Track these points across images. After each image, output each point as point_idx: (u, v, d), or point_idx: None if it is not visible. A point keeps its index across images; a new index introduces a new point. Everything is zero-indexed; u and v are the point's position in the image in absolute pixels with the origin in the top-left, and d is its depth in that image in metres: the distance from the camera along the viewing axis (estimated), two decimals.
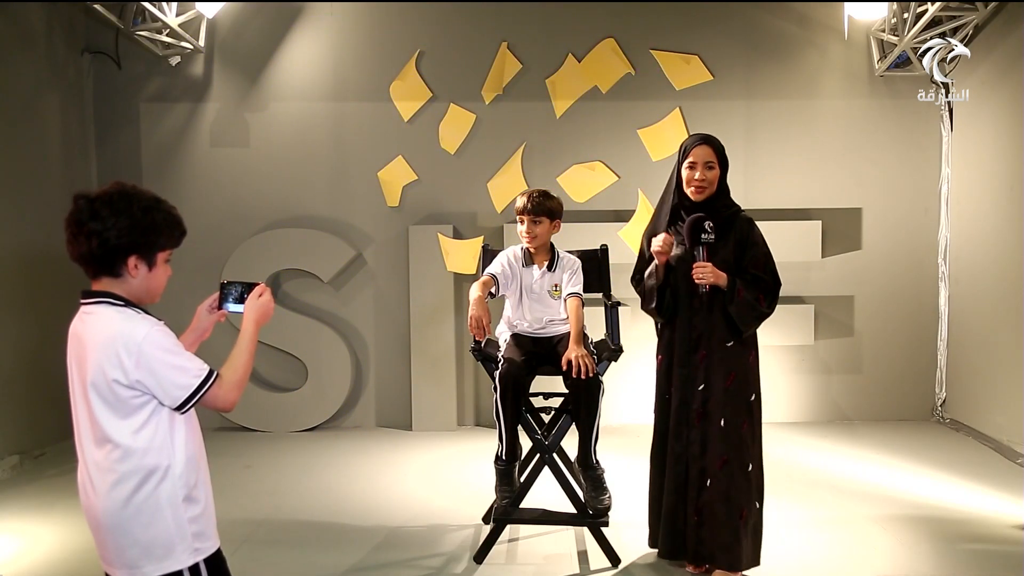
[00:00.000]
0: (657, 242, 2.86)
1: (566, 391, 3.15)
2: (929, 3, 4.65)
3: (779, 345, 5.26)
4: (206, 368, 1.72)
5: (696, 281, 2.78)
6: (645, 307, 2.99)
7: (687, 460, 2.84)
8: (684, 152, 2.88)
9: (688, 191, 2.86)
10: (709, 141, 2.87)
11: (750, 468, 2.81)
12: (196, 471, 1.76)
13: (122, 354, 1.63)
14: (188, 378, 1.68)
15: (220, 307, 1.93)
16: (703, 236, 2.77)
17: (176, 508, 1.71)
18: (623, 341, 3.27)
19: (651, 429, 3.01)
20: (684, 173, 2.87)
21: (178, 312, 1.95)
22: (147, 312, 1.73)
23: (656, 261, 2.89)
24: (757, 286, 2.82)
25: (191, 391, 1.68)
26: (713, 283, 2.77)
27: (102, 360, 1.64)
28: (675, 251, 2.86)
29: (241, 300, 1.89)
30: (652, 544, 3.08)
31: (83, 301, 1.72)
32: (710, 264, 2.77)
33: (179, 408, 1.69)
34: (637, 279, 3.05)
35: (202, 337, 1.97)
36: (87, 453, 1.70)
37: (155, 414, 1.69)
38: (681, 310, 2.87)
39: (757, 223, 2.92)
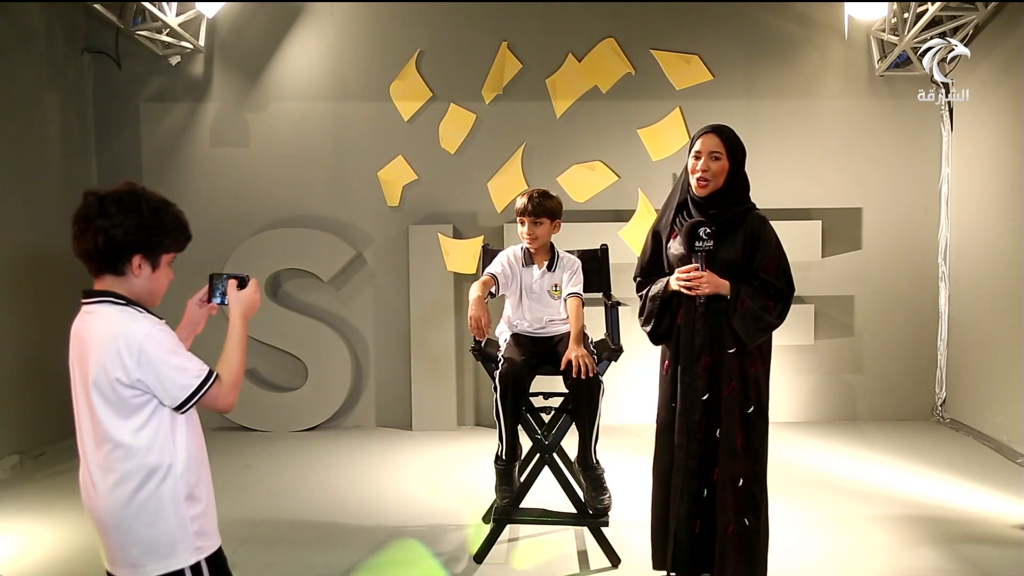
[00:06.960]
0: (682, 278, 2.65)
1: (566, 391, 3.14)
2: (929, 3, 4.65)
3: (779, 345, 5.22)
4: (206, 369, 1.72)
5: (688, 293, 2.64)
6: (642, 324, 2.84)
7: (688, 472, 2.69)
8: (691, 143, 2.72)
9: (692, 183, 2.68)
10: (717, 130, 2.68)
11: (740, 483, 2.65)
12: (197, 470, 1.76)
13: (123, 353, 1.63)
14: (188, 378, 1.68)
15: (209, 300, 1.91)
16: (697, 243, 2.60)
17: (178, 507, 1.71)
18: (623, 341, 3.27)
19: (652, 429, 2.89)
20: (690, 163, 2.69)
21: (177, 312, 1.94)
22: (149, 312, 1.73)
23: (665, 283, 2.73)
24: (766, 293, 2.62)
25: (191, 391, 1.68)
26: (711, 292, 2.60)
27: (104, 359, 1.64)
28: (678, 251, 2.71)
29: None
30: (658, 565, 2.81)
31: (84, 301, 1.71)
32: (707, 273, 2.60)
33: (179, 408, 1.70)
34: (640, 281, 2.89)
35: (195, 331, 1.95)
36: (89, 453, 1.70)
37: (156, 413, 1.69)
38: (685, 315, 2.70)
39: None
